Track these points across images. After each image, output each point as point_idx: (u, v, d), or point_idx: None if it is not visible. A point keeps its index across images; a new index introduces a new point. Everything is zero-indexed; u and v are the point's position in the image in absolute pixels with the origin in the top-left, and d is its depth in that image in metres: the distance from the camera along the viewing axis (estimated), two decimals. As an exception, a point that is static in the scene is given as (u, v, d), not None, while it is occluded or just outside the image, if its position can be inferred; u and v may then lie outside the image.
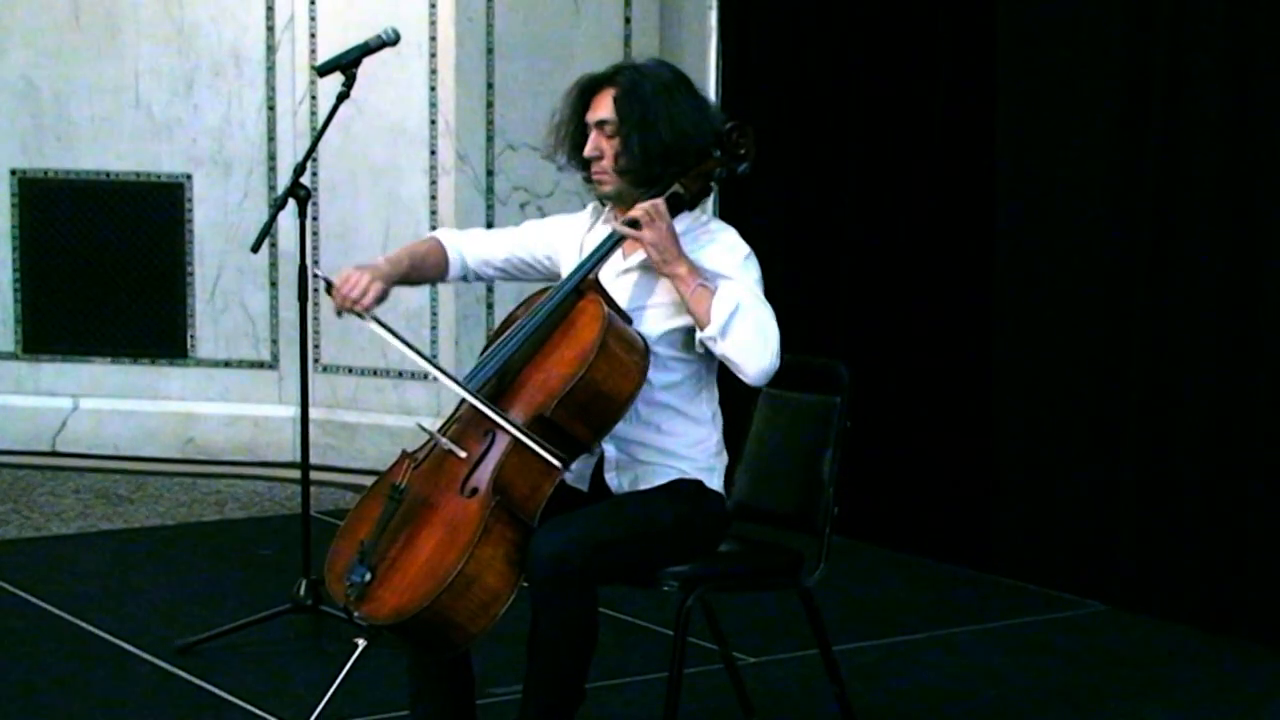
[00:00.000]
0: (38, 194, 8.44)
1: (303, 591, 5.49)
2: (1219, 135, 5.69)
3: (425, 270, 4.30)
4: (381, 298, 4.10)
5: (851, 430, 4.36)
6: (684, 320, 4.05)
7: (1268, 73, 5.57)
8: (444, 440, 3.94)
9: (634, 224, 4.00)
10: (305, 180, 5.39)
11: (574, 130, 4.17)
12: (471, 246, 4.33)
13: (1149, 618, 5.88)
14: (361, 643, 3.87)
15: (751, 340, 3.92)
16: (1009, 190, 6.42)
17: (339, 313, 4.12)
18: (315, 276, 4.50)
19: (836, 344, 6.91)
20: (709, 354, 4.06)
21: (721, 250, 4.08)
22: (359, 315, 4.08)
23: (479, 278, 4.39)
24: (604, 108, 4.10)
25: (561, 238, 4.30)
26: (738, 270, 4.03)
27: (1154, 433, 5.90)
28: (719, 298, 3.93)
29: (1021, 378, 6.39)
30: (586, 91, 4.16)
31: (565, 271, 4.19)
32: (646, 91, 4.07)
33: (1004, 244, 6.44)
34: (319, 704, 4.23)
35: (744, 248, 4.09)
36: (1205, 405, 5.76)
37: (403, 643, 3.90)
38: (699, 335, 3.97)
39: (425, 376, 7.88)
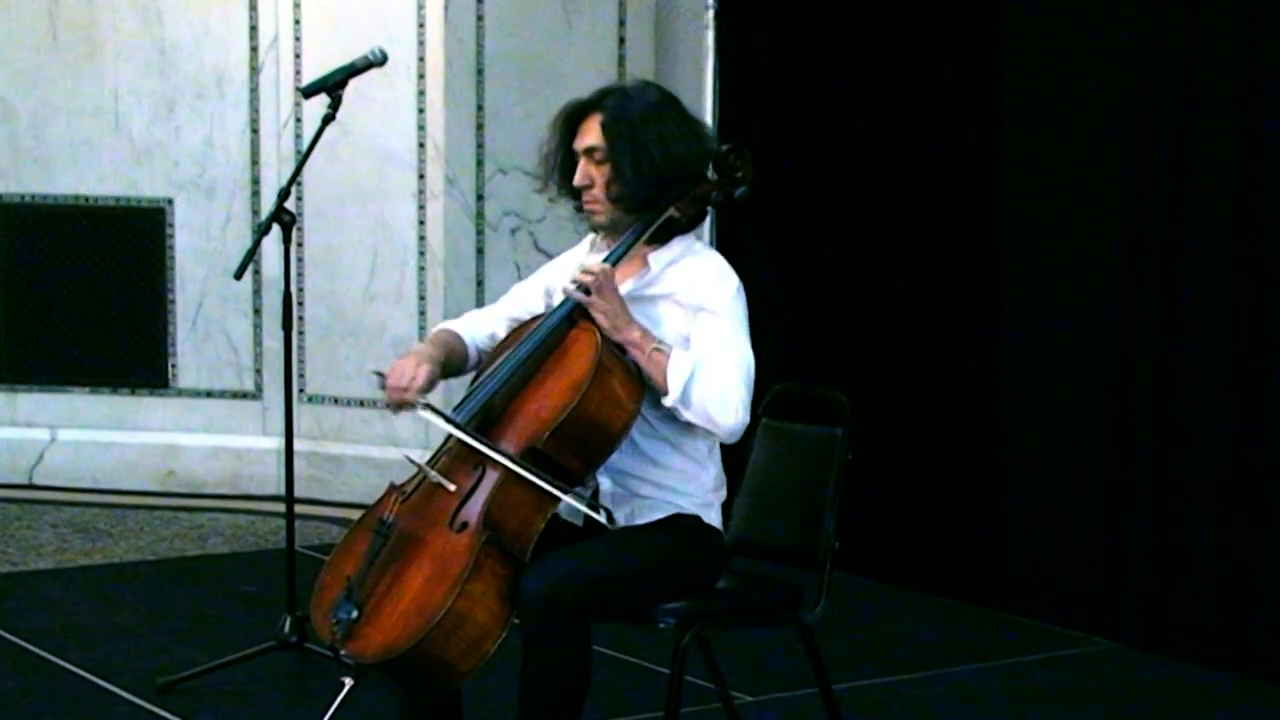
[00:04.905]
0: (14, 219, 8.41)
1: (287, 628, 5.46)
2: (1229, 157, 5.66)
3: (455, 359, 4.21)
4: (431, 381, 4.03)
5: (853, 462, 4.32)
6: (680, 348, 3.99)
7: (1279, 91, 5.54)
8: (433, 473, 3.90)
9: (584, 290, 3.94)
10: (290, 205, 5.39)
11: (562, 159, 4.12)
12: (477, 328, 4.26)
13: (1157, 655, 5.85)
14: (348, 681, 3.84)
15: (713, 403, 3.91)
16: (1014, 215, 6.39)
17: (393, 409, 4.06)
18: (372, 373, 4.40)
19: (837, 372, 6.91)
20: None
21: (714, 278, 4.03)
22: (411, 406, 4.00)
23: None
24: (591, 134, 4.05)
25: (556, 278, 4.21)
26: (727, 303, 3.99)
27: (1163, 467, 5.87)
28: (674, 364, 3.91)
29: (1028, 409, 6.36)
30: (572, 119, 4.12)
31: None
32: (634, 115, 4.03)
33: (1009, 270, 6.41)
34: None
35: (735, 280, 4.04)
36: (1215, 438, 5.72)
37: (391, 682, 3.85)
38: (663, 401, 3.93)
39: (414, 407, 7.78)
